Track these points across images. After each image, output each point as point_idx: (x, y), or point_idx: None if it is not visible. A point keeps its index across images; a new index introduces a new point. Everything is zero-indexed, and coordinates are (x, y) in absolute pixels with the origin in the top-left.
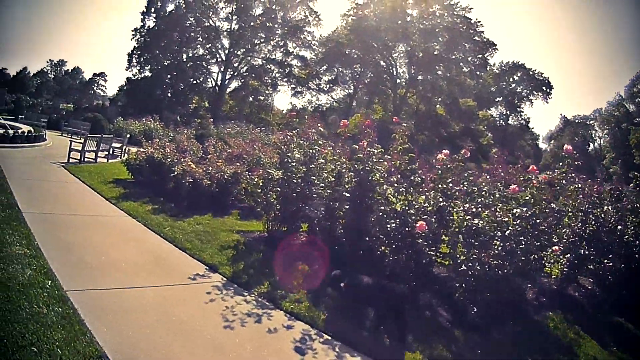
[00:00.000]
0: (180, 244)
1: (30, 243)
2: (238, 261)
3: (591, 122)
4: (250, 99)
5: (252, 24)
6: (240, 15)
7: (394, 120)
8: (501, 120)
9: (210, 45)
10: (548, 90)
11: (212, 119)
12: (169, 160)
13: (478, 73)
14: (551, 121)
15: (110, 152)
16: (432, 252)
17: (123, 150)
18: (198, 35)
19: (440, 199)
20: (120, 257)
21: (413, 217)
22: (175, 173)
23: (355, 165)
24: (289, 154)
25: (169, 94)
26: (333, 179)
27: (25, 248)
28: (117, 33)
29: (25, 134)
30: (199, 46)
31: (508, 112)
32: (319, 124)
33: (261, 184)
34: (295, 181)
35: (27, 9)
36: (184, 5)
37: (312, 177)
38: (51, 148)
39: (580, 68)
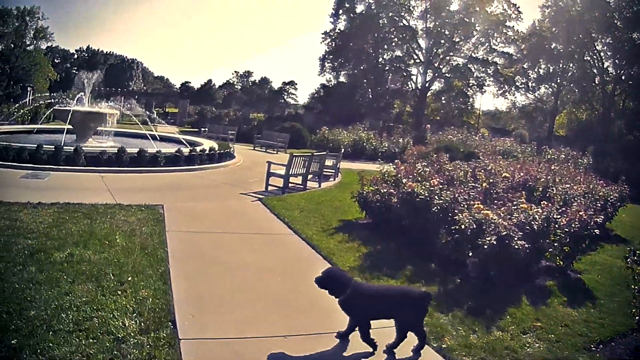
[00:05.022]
0: None
1: None
2: None
3: None
4: (453, 101)
5: (448, 21)
6: (436, 12)
7: None
8: None
9: (407, 45)
10: None
11: (427, 125)
12: (437, 199)
13: None
14: None
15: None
16: None
17: (337, 169)
18: (393, 36)
19: None
20: None
21: None
22: (462, 227)
23: None
24: None
25: (368, 99)
26: None
27: None
28: (303, 38)
29: (206, 151)
30: (395, 47)
31: None
32: None
33: None
34: None
35: (209, 25)
36: (374, 6)
37: None
38: (241, 168)
39: None
